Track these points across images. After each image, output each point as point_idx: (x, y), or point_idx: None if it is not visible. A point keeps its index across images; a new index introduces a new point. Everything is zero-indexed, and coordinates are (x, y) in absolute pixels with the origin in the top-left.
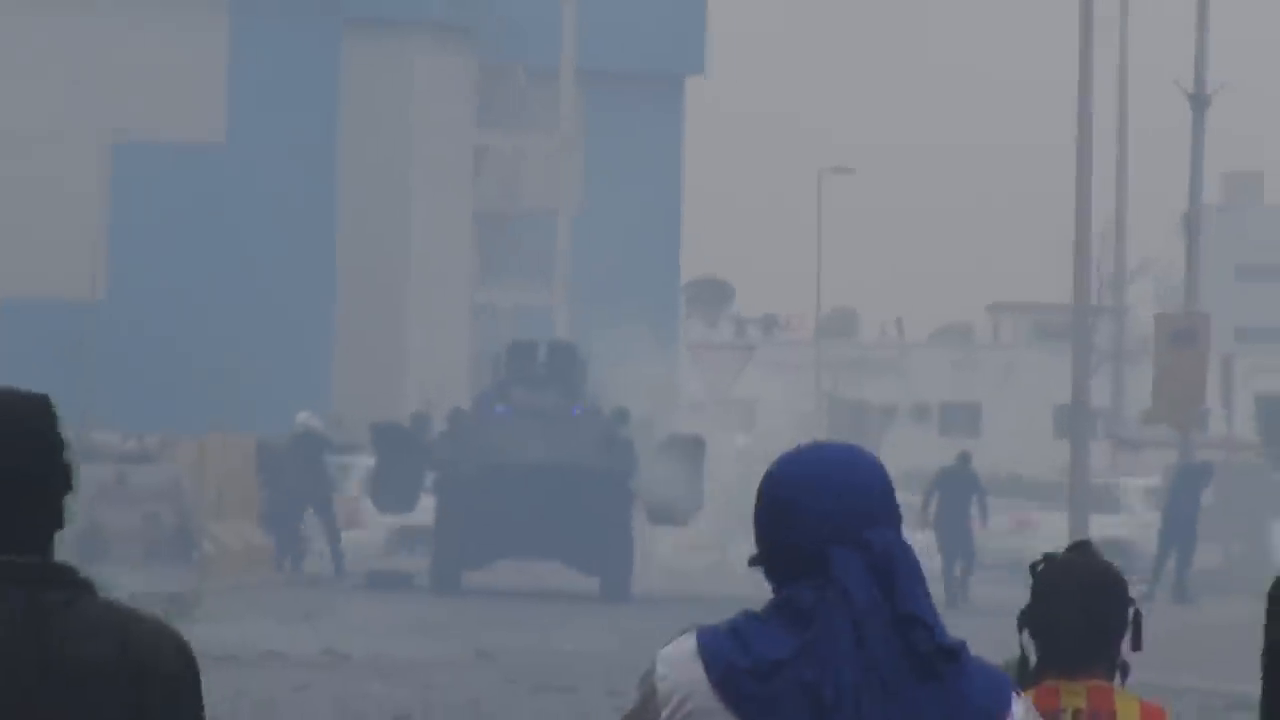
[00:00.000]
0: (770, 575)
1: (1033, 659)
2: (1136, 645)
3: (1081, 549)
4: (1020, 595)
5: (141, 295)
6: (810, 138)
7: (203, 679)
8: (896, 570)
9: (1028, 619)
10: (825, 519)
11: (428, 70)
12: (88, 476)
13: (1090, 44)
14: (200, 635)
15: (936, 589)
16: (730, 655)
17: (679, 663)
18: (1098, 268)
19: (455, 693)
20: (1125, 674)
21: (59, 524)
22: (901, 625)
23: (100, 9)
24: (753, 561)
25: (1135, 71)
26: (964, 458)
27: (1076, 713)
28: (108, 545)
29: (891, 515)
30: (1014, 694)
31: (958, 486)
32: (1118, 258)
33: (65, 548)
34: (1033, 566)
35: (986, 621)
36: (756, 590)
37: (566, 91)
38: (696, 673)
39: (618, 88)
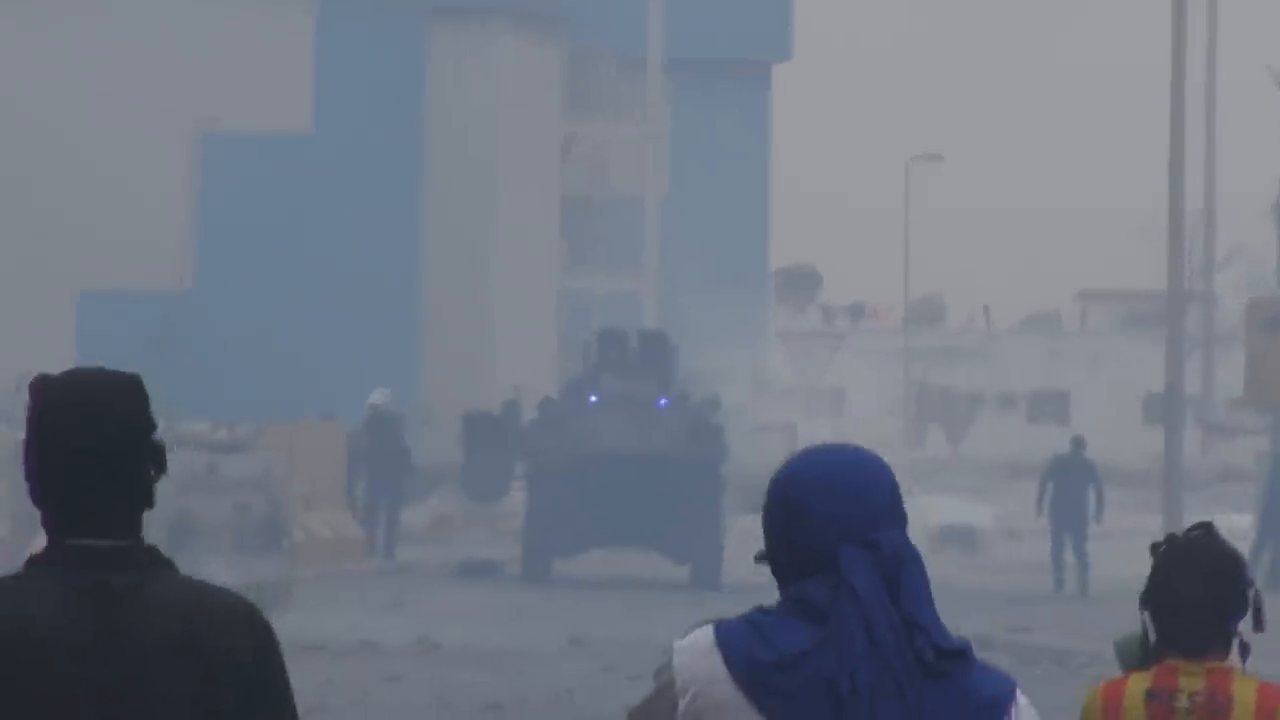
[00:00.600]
0: (777, 573)
1: (1153, 638)
2: (1258, 626)
3: (1203, 530)
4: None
5: (229, 285)
6: (898, 125)
7: (294, 668)
8: (902, 573)
9: (1149, 599)
10: (834, 520)
11: (514, 58)
12: (177, 466)
13: (1183, 29)
14: (291, 625)
15: (1045, 578)
16: (751, 648)
17: (697, 654)
18: (1188, 255)
19: (549, 681)
20: (1245, 654)
21: (146, 504)
22: (907, 627)
23: None
24: (759, 558)
25: (1225, 57)
26: (1078, 443)
27: (1193, 695)
28: (198, 535)
29: (898, 517)
30: (1017, 688)
31: (1072, 475)
32: (1207, 245)
33: (154, 538)
34: (1154, 547)
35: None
36: None
37: (654, 79)
38: (715, 665)
39: (704, 75)
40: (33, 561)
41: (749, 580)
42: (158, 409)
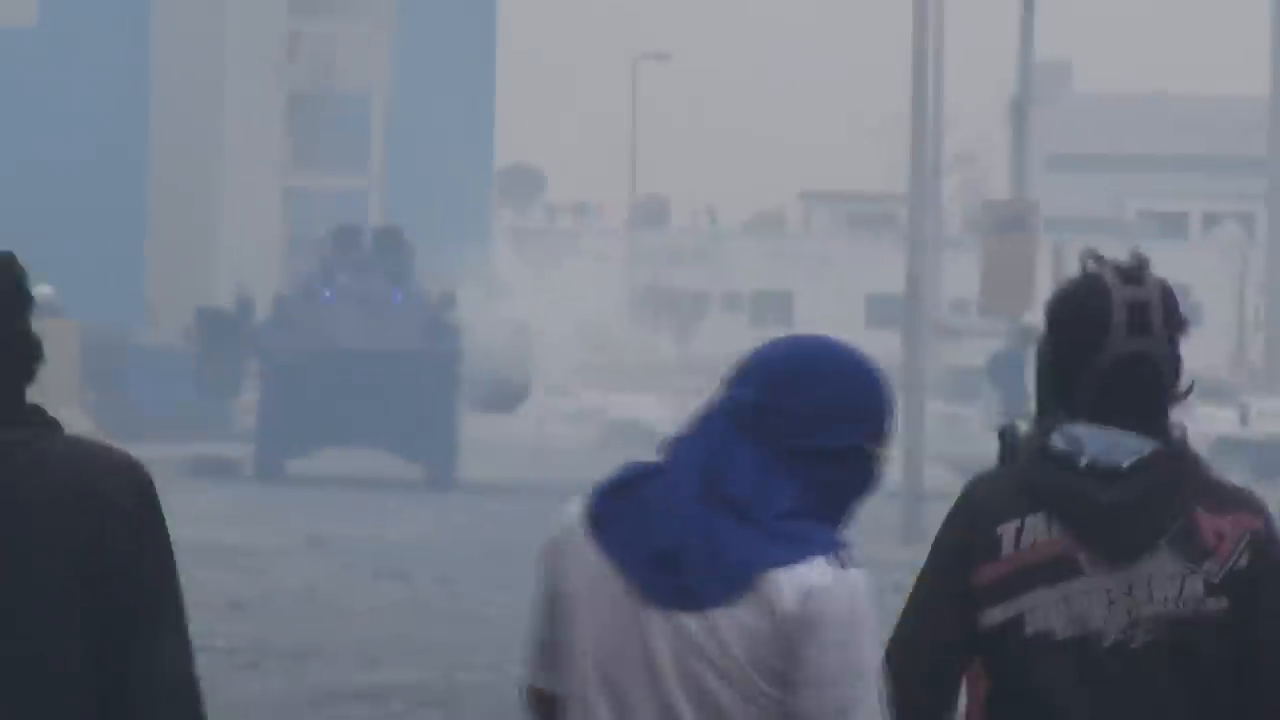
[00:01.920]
0: None
1: None
2: None
3: None
4: None
5: None
6: (625, 23)
7: None
8: (763, 421)
9: None
10: (755, 372)
11: None
12: None
13: None
14: None
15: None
16: (598, 486)
17: (568, 511)
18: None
19: (291, 580)
20: None
21: (27, 379)
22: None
23: None
24: None
25: None
26: (1025, 333)
27: None
28: None
29: (822, 409)
30: (819, 555)
31: (1014, 374)
32: (935, 147)
33: None
34: None
35: None
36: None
37: None
38: (574, 510)
39: None
40: None
41: (482, 479)
42: None
